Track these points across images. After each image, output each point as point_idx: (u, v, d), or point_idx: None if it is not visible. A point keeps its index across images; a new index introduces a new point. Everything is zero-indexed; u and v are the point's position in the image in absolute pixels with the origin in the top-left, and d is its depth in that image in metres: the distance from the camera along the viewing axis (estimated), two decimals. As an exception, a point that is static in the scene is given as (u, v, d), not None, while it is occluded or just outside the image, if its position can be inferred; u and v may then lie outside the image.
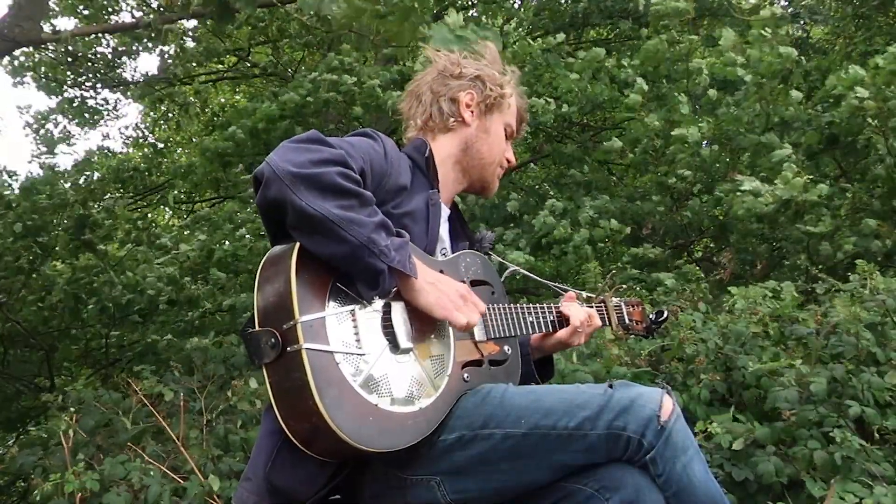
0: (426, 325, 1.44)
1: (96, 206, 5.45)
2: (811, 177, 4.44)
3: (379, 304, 1.38)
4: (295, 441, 1.28)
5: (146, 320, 5.98)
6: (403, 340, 1.37)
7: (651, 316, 2.05)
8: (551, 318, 1.76)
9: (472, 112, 1.69)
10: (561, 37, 6.10)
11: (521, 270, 1.99)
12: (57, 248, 5.36)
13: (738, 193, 4.12)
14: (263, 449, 1.39)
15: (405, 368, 1.38)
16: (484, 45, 1.80)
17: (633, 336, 2.07)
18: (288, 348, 1.25)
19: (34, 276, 5.37)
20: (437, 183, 1.63)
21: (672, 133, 4.82)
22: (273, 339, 1.27)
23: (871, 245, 4.16)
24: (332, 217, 1.25)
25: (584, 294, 1.95)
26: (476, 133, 1.69)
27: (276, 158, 1.27)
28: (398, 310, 1.40)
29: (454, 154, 1.69)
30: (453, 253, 1.68)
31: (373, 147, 1.48)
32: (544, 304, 1.79)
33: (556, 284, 2.04)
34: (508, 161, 1.78)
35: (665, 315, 2.03)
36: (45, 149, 10.94)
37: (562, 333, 1.79)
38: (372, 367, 1.32)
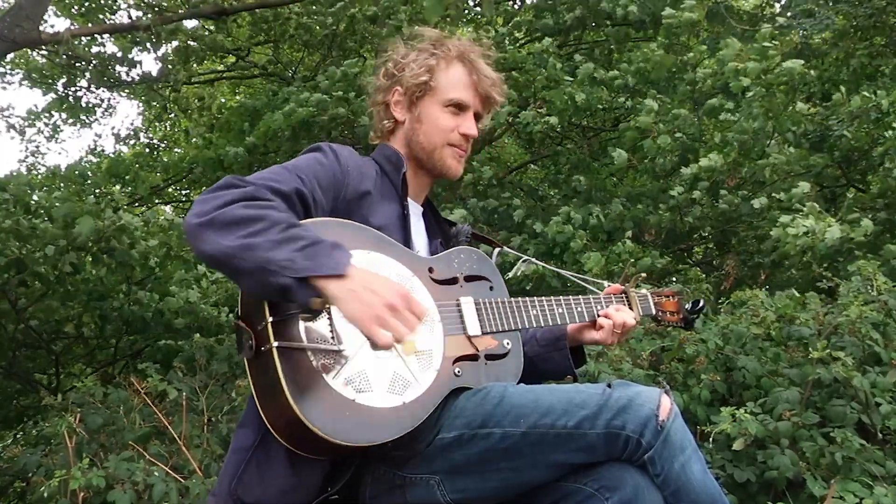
0: None
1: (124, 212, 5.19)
2: (823, 211, 4.34)
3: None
4: (283, 443, 1.31)
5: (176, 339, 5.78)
6: None
7: (687, 306, 2.01)
8: (559, 310, 1.73)
9: (400, 108, 1.69)
10: (548, 41, 6.07)
11: (533, 260, 1.98)
12: (86, 265, 5.20)
13: (786, 230, 3.93)
14: (230, 466, 1.41)
15: (386, 364, 1.37)
16: (422, 30, 1.77)
17: (668, 327, 2.03)
18: (262, 348, 1.28)
19: (59, 287, 5.20)
20: (408, 191, 1.64)
21: (699, 163, 4.70)
22: (251, 341, 1.30)
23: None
24: (228, 250, 1.23)
25: (605, 283, 1.93)
26: (411, 126, 1.68)
27: (187, 216, 1.29)
28: None
29: (405, 152, 1.69)
30: (429, 252, 1.68)
31: (319, 161, 1.49)
32: (560, 297, 1.76)
33: (575, 275, 2.01)
34: (464, 135, 1.67)
35: (701, 304, 2.00)
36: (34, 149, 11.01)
37: (597, 334, 1.79)
38: (349, 363, 1.33)
